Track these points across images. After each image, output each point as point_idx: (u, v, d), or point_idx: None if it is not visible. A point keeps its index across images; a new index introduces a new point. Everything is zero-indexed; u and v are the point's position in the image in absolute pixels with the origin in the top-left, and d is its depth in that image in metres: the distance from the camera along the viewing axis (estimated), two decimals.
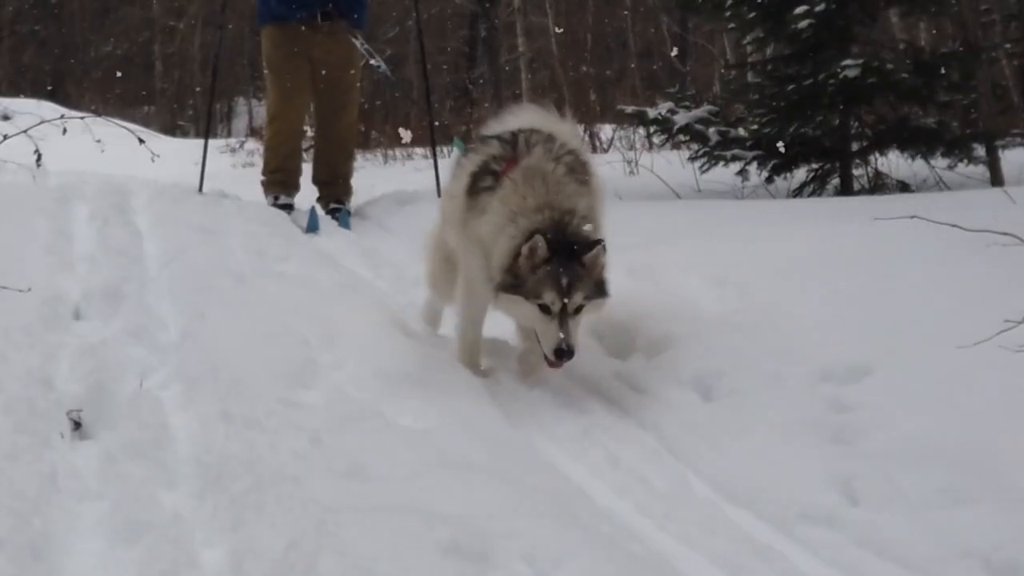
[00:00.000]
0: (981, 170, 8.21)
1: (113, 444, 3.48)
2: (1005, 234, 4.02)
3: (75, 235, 6.42)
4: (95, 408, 3.74)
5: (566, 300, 3.90)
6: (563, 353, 3.90)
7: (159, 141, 16.01)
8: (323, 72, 8.17)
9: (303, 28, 8.05)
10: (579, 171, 4.23)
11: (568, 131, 4.62)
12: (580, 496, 3.36)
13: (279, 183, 8.39)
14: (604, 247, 4.00)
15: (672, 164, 10.15)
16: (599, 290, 4.02)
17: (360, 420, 3.67)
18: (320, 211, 8.17)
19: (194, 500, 3.18)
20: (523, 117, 4.64)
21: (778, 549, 3.12)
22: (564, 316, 3.91)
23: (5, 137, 5.07)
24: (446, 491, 3.08)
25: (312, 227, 7.54)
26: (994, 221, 4.21)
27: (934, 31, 13.78)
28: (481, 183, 4.22)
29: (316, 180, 8.55)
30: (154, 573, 2.70)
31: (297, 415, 3.68)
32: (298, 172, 8.52)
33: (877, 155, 8.57)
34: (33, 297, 4.58)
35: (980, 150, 8.11)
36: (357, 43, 8.22)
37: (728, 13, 8.71)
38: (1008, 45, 10.32)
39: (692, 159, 8.97)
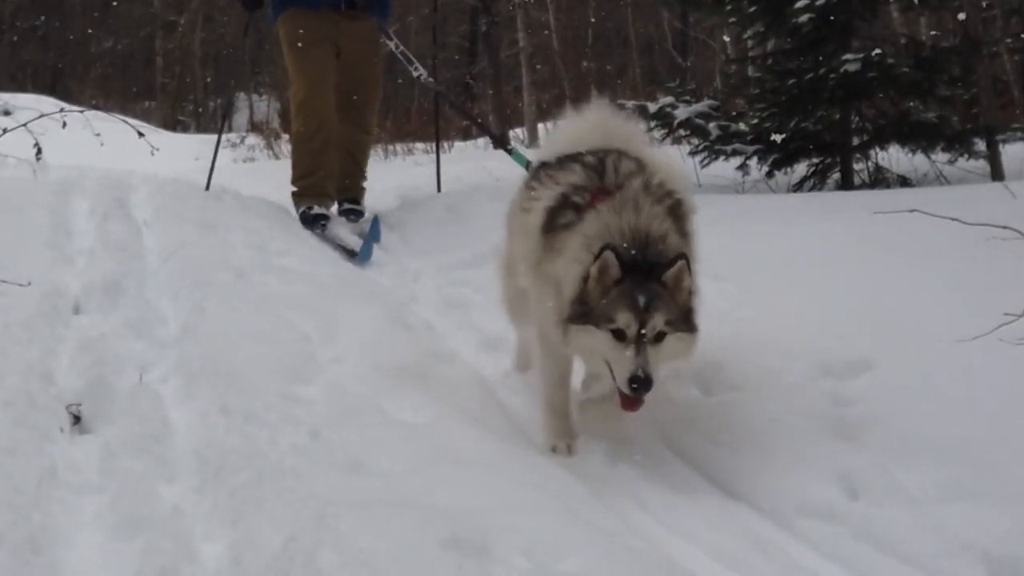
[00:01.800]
0: (982, 164, 8.20)
1: (113, 438, 3.48)
2: (1005, 228, 4.01)
3: (75, 230, 6.42)
4: (95, 402, 3.74)
5: (643, 323, 3.26)
6: (639, 382, 3.23)
7: (159, 136, 16.02)
8: (348, 63, 7.51)
9: (328, 13, 7.38)
10: (681, 218, 3.59)
11: (641, 141, 4.08)
12: (580, 490, 3.36)
13: (312, 188, 7.48)
14: (688, 265, 3.36)
15: (672, 158, 10.13)
16: (685, 320, 3.36)
17: (360, 414, 3.67)
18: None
19: (194, 494, 3.18)
20: (594, 121, 4.03)
21: (778, 543, 3.12)
22: (641, 342, 3.26)
23: (5, 131, 5.07)
24: (446, 485, 3.08)
25: (371, 244, 6.89)
26: (994, 215, 4.20)
27: (935, 26, 13.77)
28: (560, 218, 3.58)
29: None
30: (154, 567, 2.70)
31: (297, 409, 3.68)
32: (332, 174, 7.61)
33: (877, 149, 8.56)
34: (33, 291, 4.58)
35: (981, 144, 8.09)
36: (392, 46, 7.41)
37: (729, 7, 8.71)
38: (1009, 40, 10.30)
39: (692, 154, 8.96)
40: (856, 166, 8.41)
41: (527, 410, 4.07)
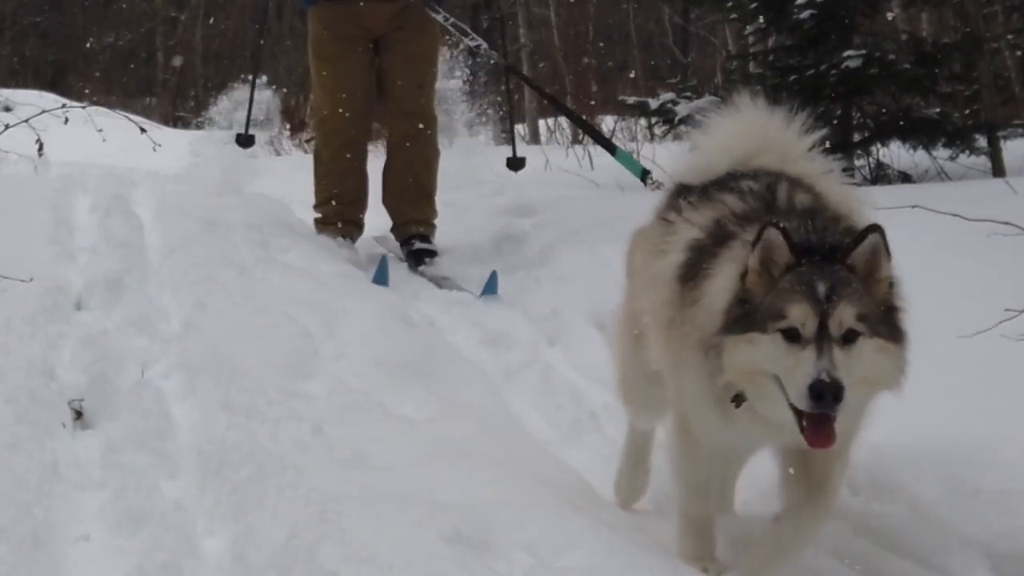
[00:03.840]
0: (983, 161, 8.20)
1: (115, 434, 3.49)
2: (1006, 224, 4.01)
3: (77, 226, 6.43)
4: (97, 398, 3.75)
5: (825, 316, 2.40)
6: (824, 388, 2.31)
7: (161, 132, 16.00)
8: (393, 46, 6.29)
9: (361, 2, 6.21)
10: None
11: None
12: (582, 485, 3.37)
13: (334, 215, 6.47)
14: (884, 239, 2.58)
15: (673, 154, 10.13)
16: (886, 322, 2.51)
17: (361, 410, 3.68)
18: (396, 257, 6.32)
19: (195, 489, 3.19)
20: (746, 128, 3.12)
21: None
22: (824, 343, 2.38)
23: (7, 127, 5.08)
24: (447, 480, 3.08)
25: (490, 288, 5.63)
26: (995, 211, 4.20)
27: (936, 22, 13.77)
28: (709, 259, 2.67)
29: (389, 196, 6.51)
30: (155, 562, 2.70)
31: (298, 405, 3.68)
32: (362, 200, 6.53)
33: (879, 146, 8.56)
34: (35, 287, 4.59)
35: (982, 141, 8.10)
36: (440, 18, 6.22)
37: (730, 3, 8.71)
38: (1010, 36, 10.31)
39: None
40: (857, 162, 8.41)
41: (528, 403, 4.07)
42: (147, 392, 3.82)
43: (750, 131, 3.08)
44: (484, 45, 6.07)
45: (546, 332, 4.98)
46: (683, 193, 2.98)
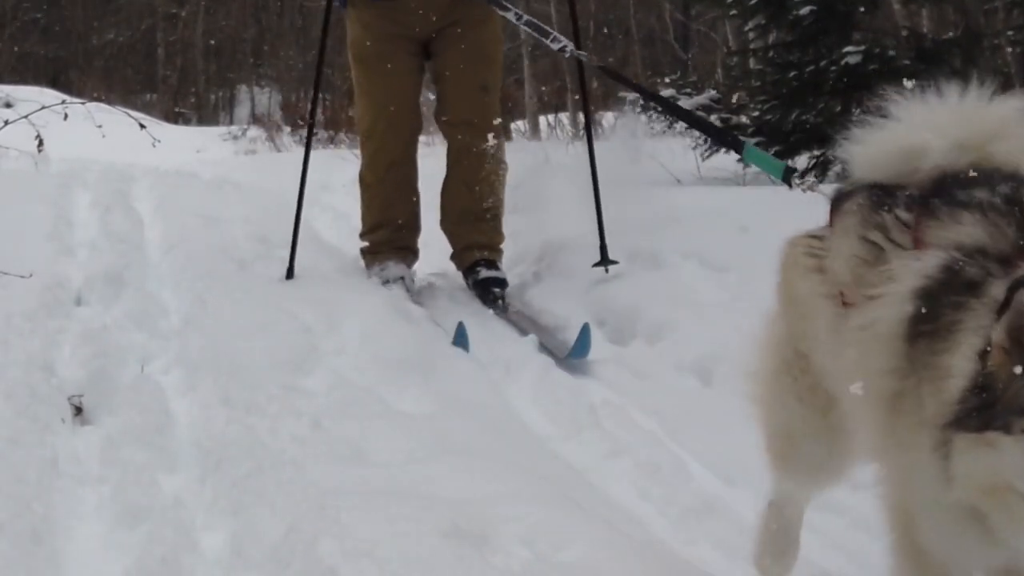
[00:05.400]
0: None
1: (114, 429, 3.49)
2: None
3: (76, 221, 6.44)
4: (96, 393, 3.75)
5: None
6: None
7: (161, 129, 16.06)
8: (449, 44, 5.44)
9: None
10: None
11: None
12: (580, 481, 3.37)
13: (385, 243, 5.59)
14: None
15: (673, 151, 10.14)
16: None
17: (360, 405, 3.68)
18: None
19: (195, 484, 3.19)
20: (949, 122, 2.19)
21: None
22: None
23: (7, 123, 5.09)
24: (446, 476, 3.08)
25: (581, 350, 4.58)
26: None
27: (936, 18, 13.76)
28: (945, 309, 1.91)
29: (447, 219, 5.66)
30: (154, 557, 2.70)
31: (298, 400, 3.68)
32: (415, 224, 5.67)
33: None
34: (35, 283, 4.60)
35: None
36: (511, 16, 5.06)
37: (730, 0, 8.72)
38: (1011, 32, 10.30)
39: (694, 147, 8.97)
40: None
41: (528, 399, 4.07)
42: (147, 387, 3.82)
43: (978, 113, 2.20)
44: (570, 46, 4.87)
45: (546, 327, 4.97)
46: (881, 199, 2.23)
